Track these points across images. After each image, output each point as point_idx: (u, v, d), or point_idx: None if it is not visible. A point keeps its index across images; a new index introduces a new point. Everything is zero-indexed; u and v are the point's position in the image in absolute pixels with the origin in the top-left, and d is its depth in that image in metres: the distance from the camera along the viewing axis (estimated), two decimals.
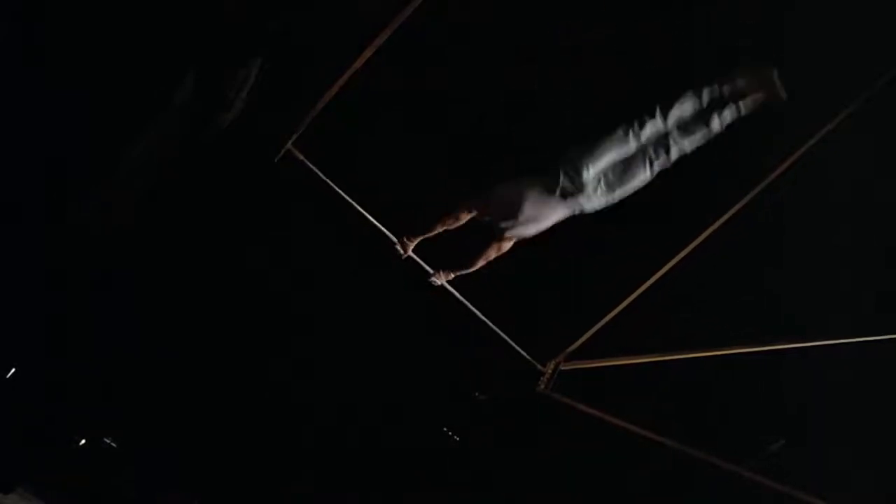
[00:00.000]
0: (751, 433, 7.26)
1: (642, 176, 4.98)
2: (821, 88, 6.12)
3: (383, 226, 5.72)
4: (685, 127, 5.03)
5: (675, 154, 5.01)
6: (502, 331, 6.16)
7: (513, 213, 4.97)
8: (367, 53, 5.50)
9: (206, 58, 6.11)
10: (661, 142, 4.97)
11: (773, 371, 6.98)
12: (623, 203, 6.65)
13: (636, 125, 4.94)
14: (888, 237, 6.77)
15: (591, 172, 4.92)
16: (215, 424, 7.04)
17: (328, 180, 5.71)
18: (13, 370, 6.39)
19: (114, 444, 6.83)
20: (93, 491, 6.70)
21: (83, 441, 6.73)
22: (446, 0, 6.18)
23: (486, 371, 7.31)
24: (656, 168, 5.00)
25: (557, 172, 4.94)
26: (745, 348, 6.44)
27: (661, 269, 6.18)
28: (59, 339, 6.50)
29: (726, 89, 5.00)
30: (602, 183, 4.95)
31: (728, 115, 5.02)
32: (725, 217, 6.10)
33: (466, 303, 5.95)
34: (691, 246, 6.15)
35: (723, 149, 6.71)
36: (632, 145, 4.94)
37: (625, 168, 4.96)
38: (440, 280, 5.73)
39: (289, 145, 5.71)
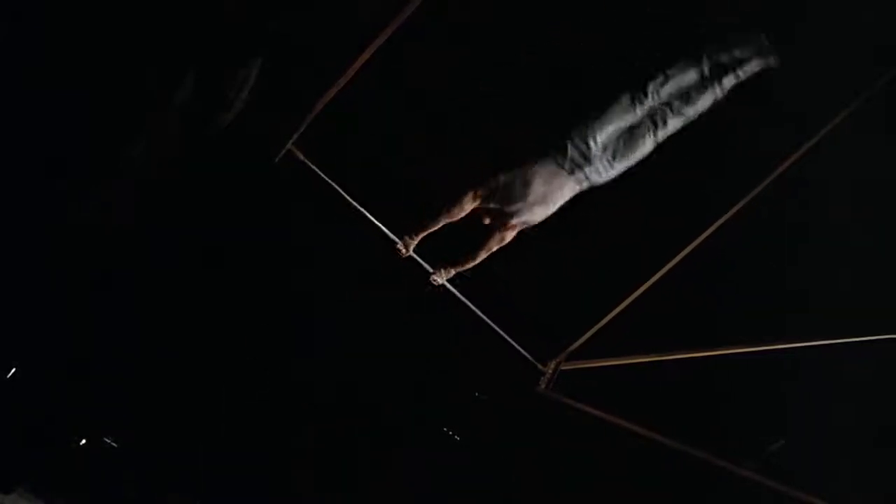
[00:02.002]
0: (751, 433, 7.26)
1: (645, 146, 4.98)
2: (821, 88, 6.12)
3: (384, 225, 5.71)
4: (686, 95, 5.04)
5: (677, 123, 5.02)
6: (503, 330, 6.16)
7: (522, 195, 4.94)
8: (368, 54, 5.50)
9: (206, 58, 6.10)
10: (664, 110, 4.99)
11: (773, 371, 6.98)
12: (623, 204, 6.67)
13: (640, 94, 4.95)
14: (888, 237, 6.77)
15: (598, 142, 4.91)
16: (215, 424, 7.04)
17: (329, 180, 5.71)
18: (13, 370, 6.39)
19: (114, 444, 6.82)
20: (93, 491, 6.69)
21: (83, 441, 6.72)
22: (446, 0, 6.18)
23: (487, 371, 7.31)
24: (659, 137, 5.01)
25: (565, 144, 4.93)
26: (745, 348, 6.44)
27: (660, 269, 6.19)
28: (59, 339, 6.49)
29: (724, 56, 5.01)
30: (608, 153, 4.95)
31: (727, 82, 5.05)
32: (725, 217, 6.10)
33: (467, 302, 5.95)
34: (691, 246, 6.15)
35: (723, 148, 6.73)
36: (637, 114, 4.94)
37: (629, 137, 4.96)
38: (440, 279, 5.71)
39: (289, 145, 5.71)
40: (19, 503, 6.30)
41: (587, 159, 4.89)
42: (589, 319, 6.33)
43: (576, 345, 6.35)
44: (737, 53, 5.00)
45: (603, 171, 4.94)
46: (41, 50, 6.04)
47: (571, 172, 4.93)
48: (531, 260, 7.15)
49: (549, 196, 5.02)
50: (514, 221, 5.06)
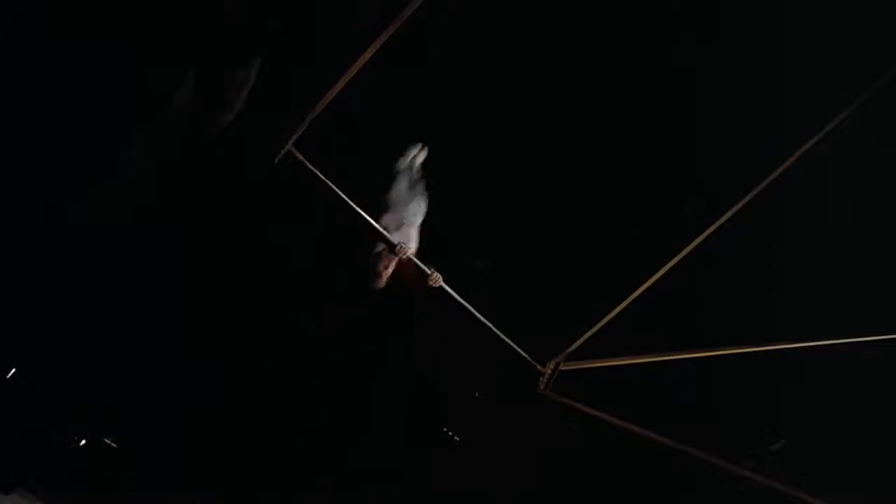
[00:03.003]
0: (751, 433, 7.26)
1: None
2: (821, 88, 6.13)
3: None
4: None
5: None
6: (503, 330, 6.17)
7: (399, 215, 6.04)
8: (368, 54, 5.51)
9: (206, 58, 6.11)
10: None
11: (772, 371, 6.98)
12: (622, 204, 6.69)
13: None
14: (888, 237, 6.78)
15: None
16: (215, 424, 7.04)
17: (328, 181, 5.72)
18: (13, 370, 6.39)
19: (114, 444, 6.82)
20: (93, 491, 6.70)
21: (83, 441, 6.73)
22: (446, 0, 6.19)
23: (486, 371, 7.31)
24: None
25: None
26: (745, 348, 6.45)
27: (660, 269, 6.20)
28: (59, 338, 6.49)
29: None
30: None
31: None
32: (725, 217, 6.11)
33: (466, 304, 5.96)
34: (691, 246, 6.16)
35: (722, 149, 6.74)
36: None
37: None
38: (438, 281, 5.78)
39: (289, 146, 5.71)
40: (19, 503, 6.31)
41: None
42: (588, 319, 6.34)
43: (575, 345, 6.35)
44: None
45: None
46: (41, 49, 6.04)
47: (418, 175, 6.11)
48: (530, 260, 7.16)
49: (410, 209, 6.16)
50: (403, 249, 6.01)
